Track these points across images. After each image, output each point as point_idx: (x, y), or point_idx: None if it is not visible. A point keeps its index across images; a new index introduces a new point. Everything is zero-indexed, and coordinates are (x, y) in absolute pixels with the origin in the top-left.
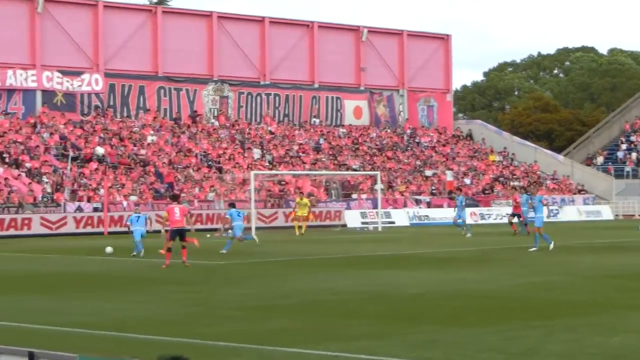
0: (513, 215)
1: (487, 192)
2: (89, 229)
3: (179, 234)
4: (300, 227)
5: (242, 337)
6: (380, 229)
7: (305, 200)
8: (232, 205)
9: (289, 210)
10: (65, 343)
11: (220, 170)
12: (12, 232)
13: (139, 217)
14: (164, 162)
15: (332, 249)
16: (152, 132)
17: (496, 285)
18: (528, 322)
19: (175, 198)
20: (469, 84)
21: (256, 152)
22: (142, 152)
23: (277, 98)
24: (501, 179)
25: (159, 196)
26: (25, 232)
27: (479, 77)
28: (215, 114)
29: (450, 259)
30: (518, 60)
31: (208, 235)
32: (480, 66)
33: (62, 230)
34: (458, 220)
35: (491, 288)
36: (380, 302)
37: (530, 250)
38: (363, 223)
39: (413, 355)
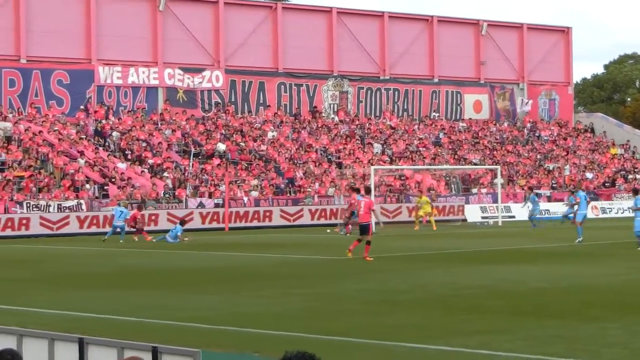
0: None
1: (608, 185)
2: (214, 224)
3: (362, 228)
4: (420, 222)
5: (364, 332)
6: (500, 224)
7: (425, 198)
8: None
9: (411, 205)
10: (187, 338)
11: (340, 165)
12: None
13: (122, 212)
14: (285, 158)
15: (453, 244)
16: (272, 127)
17: (617, 279)
18: None
19: (358, 191)
20: (588, 77)
21: (376, 147)
22: (263, 148)
23: (396, 93)
24: (623, 172)
25: (280, 192)
26: (152, 227)
27: (599, 70)
28: (335, 109)
29: (570, 253)
30: (639, 52)
31: (328, 230)
32: (601, 59)
33: (188, 226)
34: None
35: (612, 282)
36: (501, 297)
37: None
38: (483, 217)
39: (535, 350)
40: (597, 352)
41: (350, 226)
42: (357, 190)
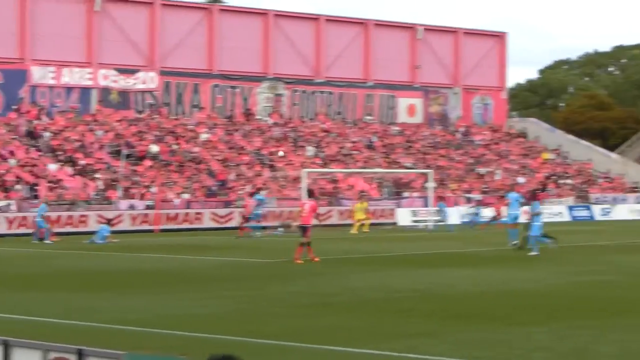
0: None
1: (539, 190)
2: (144, 226)
3: (303, 230)
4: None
5: (294, 336)
6: (431, 228)
7: (364, 204)
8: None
9: (343, 208)
10: (113, 340)
11: (272, 167)
12: (68, 229)
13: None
14: (217, 160)
15: (383, 247)
16: (205, 129)
17: (546, 283)
18: (579, 321)
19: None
20: (522, 81)
21: (309, 150)
22: (196, 149)
23: (331, 96)
24: (554, 177)
25: (212, 194)
26: (81, 229)
27: (533, 75)
28: (269, 112)
29: (500, 257)
30: (573, 58)
31: (258, 233)
32: (535, 64)
33: (118, 227)
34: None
35: (541, 287)
36: (431, 301)
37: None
38: (414, 221)
39: (463, 354)
40: (524, 356)
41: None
42: (310, 193)
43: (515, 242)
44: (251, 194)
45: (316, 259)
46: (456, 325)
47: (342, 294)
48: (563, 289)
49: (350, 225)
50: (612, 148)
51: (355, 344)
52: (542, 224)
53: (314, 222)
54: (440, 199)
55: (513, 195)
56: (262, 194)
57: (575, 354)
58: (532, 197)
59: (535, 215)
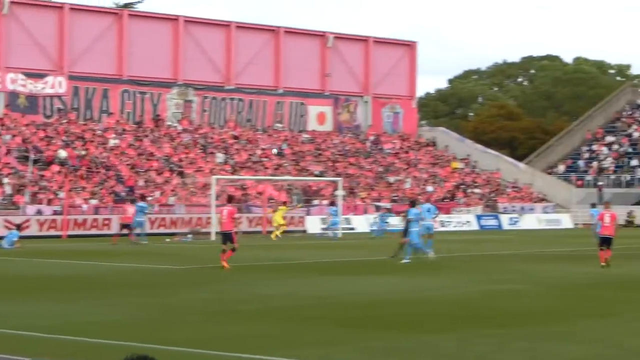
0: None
1: (448, 199)
2: (52, 232)
3: (225, 236)
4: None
5: (204, 343)
6: (340, 235)
7: (284, 209)
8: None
9: (252, 215)
10: (22, 347)
11: (182, 174)
12: None
13: None
14: (126, 166)
15: (293, 255)
16: (114, 135)
17: (454, 292)
18: (485, 329)
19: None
20: (432, 91)
21: (219, 157)
22: (104, 155)
23: (241, 103)
24: (463, 186)
25: (120, 199)
26: None
27: (443, 85)
28: (179, 118)
29: (410, 265)
30: (483, 68)
31: (167, 240)
32: (445, 74)
33: (25, 233)
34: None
35: (449, 295)
36: (339, 309)
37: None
38: (323, 229)
39: None
40: None
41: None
42: (230, 199)
43: (429, 251)
44: (131, 201)
45: (227, 266)
46: (365, 333)
47: (252, 302)
48: (470, 298)
49: (259, 232)
50: (520, 158)
51: (265, 352)
52: (420, 232)
53: (235, 228)
54: (331, 204)
55: (426, 206)
56: (144, 202)
57: None
58: (411, 204)
59: (410, 222)
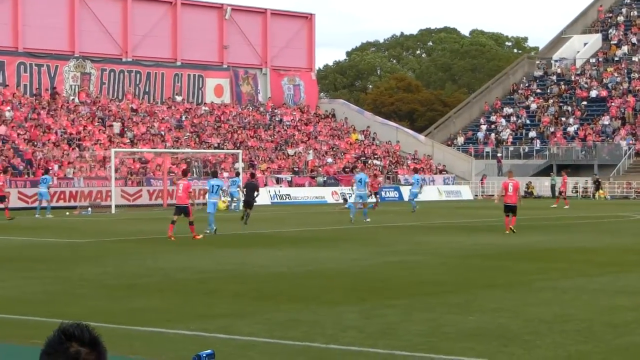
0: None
1: (347, 171)
2: None
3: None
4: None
5: (103, 317)
6: (240, 208)
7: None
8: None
9: (151, 188)
10: None
11: (80, 147)
12: None
13: None
14: (24, 139)
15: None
16: (9, 108)
17: (356, 264)
18: (387, 301)
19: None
20: (331, 63)
21: (117, 129)
22: (1, 128)
23: (138, 75)
24: (362, 158)
25: (18, 173)
26: None
27: (342, 57)
28: (77, 91)
29: (311, 238)
30: (381, 41)
31: (67, 213)
32: (344, 46)
33: None
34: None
35: (351, 267)
36: (240, 281)
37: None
38: (224, 201)
39: (274, 335)
40: (335, 336)
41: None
42: (184, 173)
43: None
44: (4, 171)
45: (198, 237)
46: (267, 306)
47: (152, 275)
48: (372, 269)
49: (160, 205)
50: (419, 130)
51: (166, 325)
52: (216, 203)
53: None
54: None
55: (359, 175)
56: (48, 175)
57: (384, 333)
58: (213, 175)
59: (208, 192)
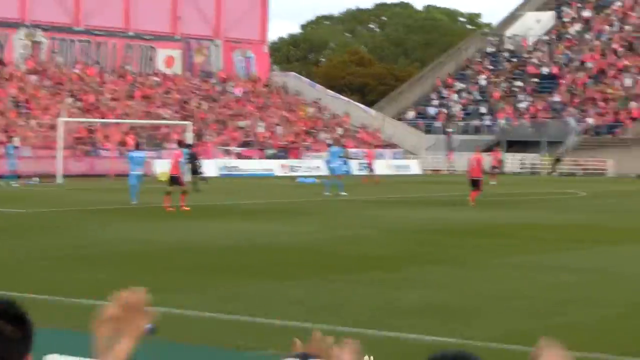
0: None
1: (297, 143)
2: None
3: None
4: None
5: (48, 289)
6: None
7: None
8: None
9: (101, 159)
10: None
11: (28, 115)
12: None
13: None
14: None
15: (143, 199)
16: None
17: (303, 238)
18: (332, 275)
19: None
20: (285, 36)
21: (67, 99)
22: None
23: (89, 45)
24: (313, 131)
25: None
26: None
27: (296, 30)
28: (26, 59)
29: (260, 210)
30: (336, 14)
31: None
32: (298, 19)
33: None
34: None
35: (298, 241)
36: (185, 254)
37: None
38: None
39: (216, 308)
40: (281, 311)
41: None
42: (179, 143)
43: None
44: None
45: (186, 208)
46: (213, 280)
47: (100, 246)
48: (319, 244)
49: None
50: (371, 104)
51: (108, 297)
52: (140, 175)
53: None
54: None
55: (334, 149)
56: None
57: (330, 308)
58: (136, 147)
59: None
